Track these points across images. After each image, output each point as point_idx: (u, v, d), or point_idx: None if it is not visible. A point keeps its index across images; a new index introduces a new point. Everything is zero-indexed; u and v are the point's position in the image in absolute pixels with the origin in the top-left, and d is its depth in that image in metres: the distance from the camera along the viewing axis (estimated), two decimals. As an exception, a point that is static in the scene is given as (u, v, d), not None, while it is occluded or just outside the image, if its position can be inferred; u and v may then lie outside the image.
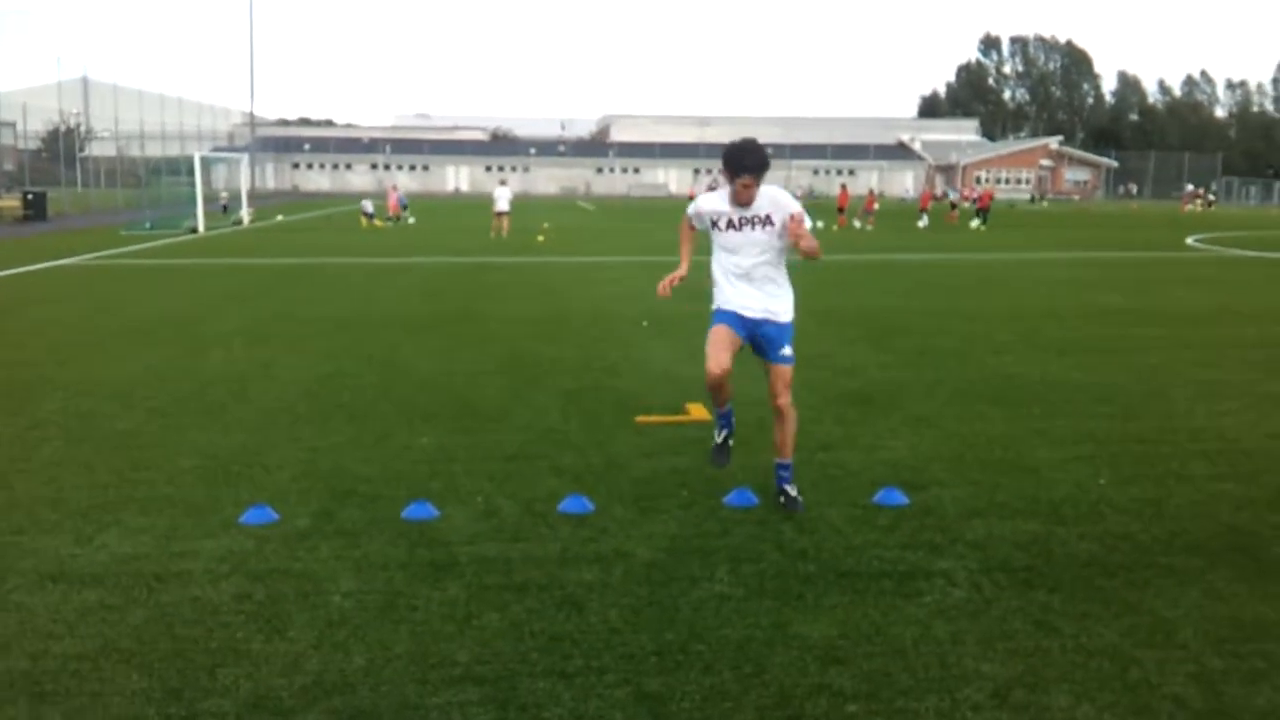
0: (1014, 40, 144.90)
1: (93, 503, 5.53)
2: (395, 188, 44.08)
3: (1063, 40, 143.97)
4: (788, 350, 5.57)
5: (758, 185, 5.33)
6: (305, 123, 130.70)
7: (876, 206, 43.07)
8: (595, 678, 3.66)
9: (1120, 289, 17.16)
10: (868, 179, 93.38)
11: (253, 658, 3.78)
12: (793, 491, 5.59)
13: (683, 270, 5.75)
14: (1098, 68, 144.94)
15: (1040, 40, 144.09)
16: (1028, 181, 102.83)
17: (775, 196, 5.44)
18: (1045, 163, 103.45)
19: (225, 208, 42.90)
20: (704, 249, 5.68)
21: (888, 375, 9.19)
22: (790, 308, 5.64)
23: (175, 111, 67.06)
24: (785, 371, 5.55)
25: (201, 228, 32.24)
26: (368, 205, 41.42)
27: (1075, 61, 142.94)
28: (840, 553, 4.87)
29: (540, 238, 30.31)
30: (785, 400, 5.53)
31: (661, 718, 3.41)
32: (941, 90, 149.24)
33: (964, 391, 8.53)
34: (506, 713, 3.42)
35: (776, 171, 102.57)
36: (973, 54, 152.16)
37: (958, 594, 4.40)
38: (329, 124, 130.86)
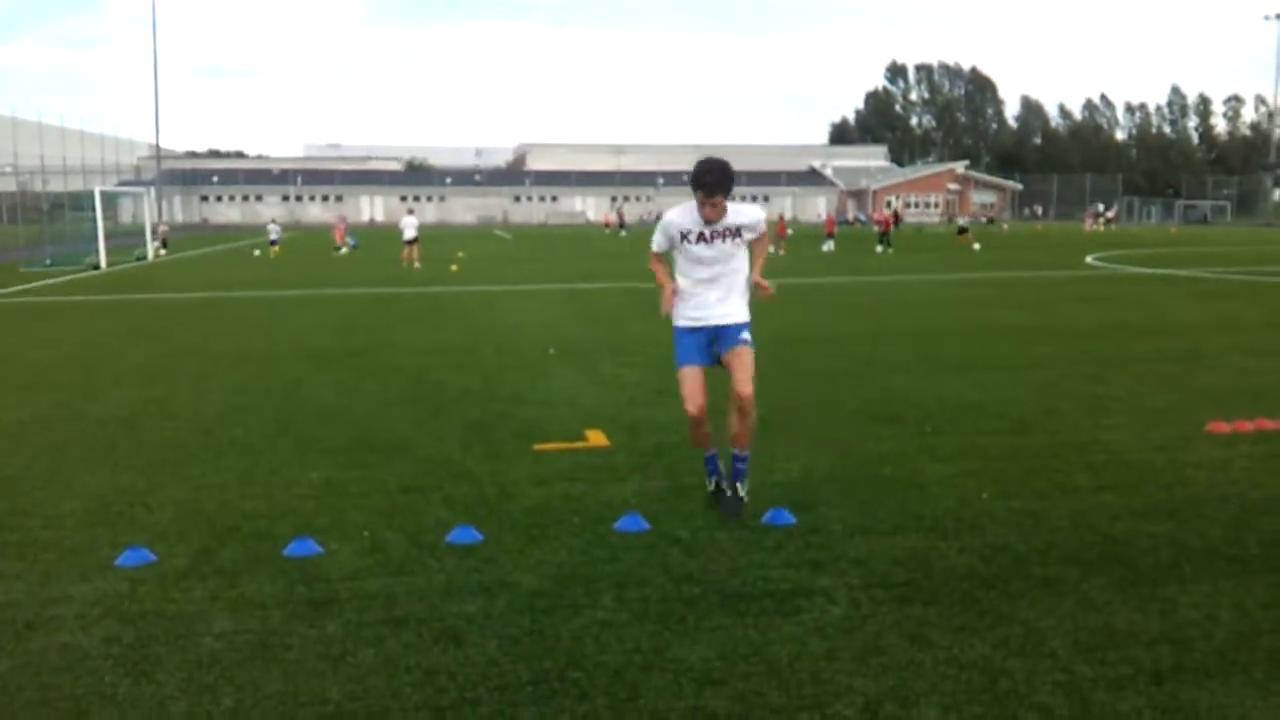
0: (919, 68, 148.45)
1: (-37, 550, 5.34)
2: (343, 219, 44.41)
3: (966, 67, 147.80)
4: (746, 335, 5.80)
5: (723, 202, 5.58)
6: (215, 154, 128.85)
7: (789, 232, 43.75)
8: (469, 710, 3.63)
9: (1019, 307, 17.60)
10: (781, 205, 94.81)
11: (119, 703, 3.68)
12: (742, 491, 5.78)
13: (672, 284, 5.88)
14: (1001, 93, 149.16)
15: (945, 67, 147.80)
16: (936, 205, 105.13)
17: (743, 211, 5.76)
18: (953, 186, 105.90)
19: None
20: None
21: (786, 397, 9.28)
22: (747, 311, 5.91)
23: (78, 145, 65.42)
24: (747, 354, 5.75)
25: (104, 263, 31.51)
26: (274, 231, 41.23)
27: (979, 88, 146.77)
28: (725, 574, 4.90)
29: (454, 267, 30.18)
30: (748, 390, 5.67)
31: (533, 748, 3.39)
32: (851, 117, 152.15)
33: (859, 411, 8.67)
34: (375, 750, 3.37)
35: (692, 198, 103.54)
36: (880, 81, 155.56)
37: (836, 611, 4.45)
38: (239, 155, 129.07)
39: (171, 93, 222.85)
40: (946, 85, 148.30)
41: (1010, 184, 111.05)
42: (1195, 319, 15.59)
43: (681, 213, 5.77)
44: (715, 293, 5.77)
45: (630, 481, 6.53)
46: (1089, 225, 74.53)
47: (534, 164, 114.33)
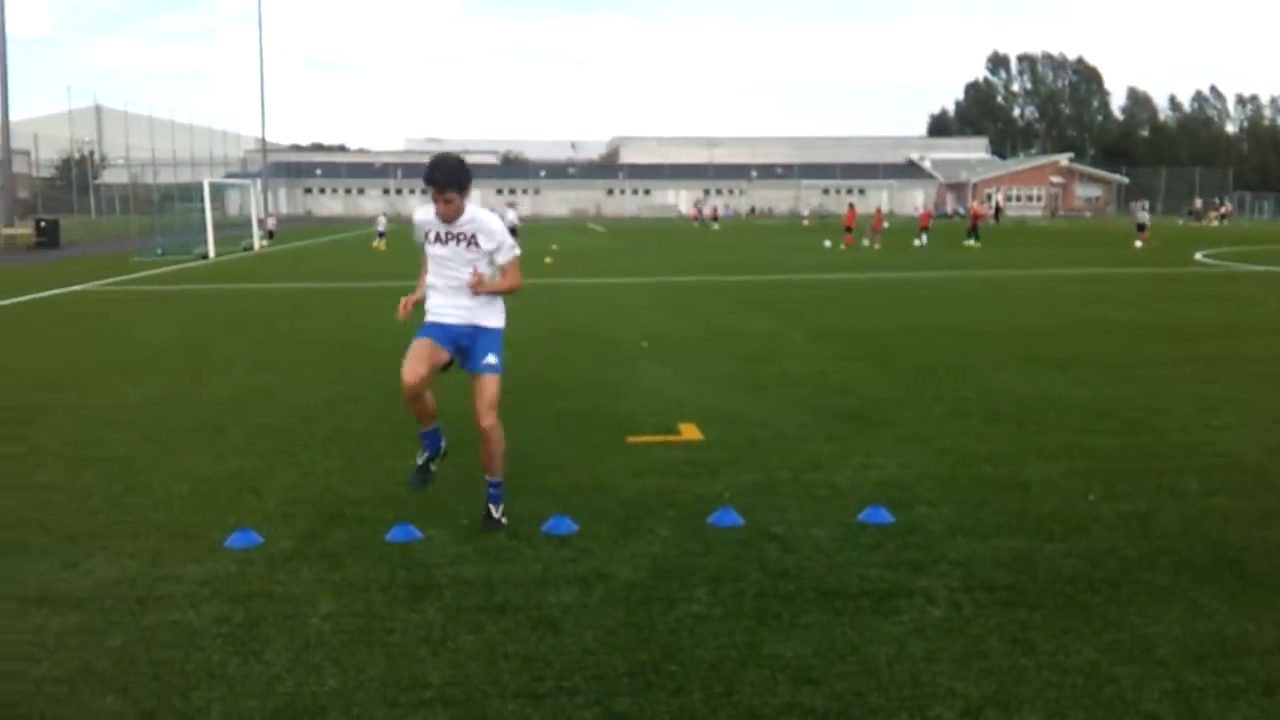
0: (1021, 58, 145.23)
1: (83, 528, 5.56)
2: (512, 205, 44.36)
3: (1072, 57, 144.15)
4: (492, 359, 5.60)
5: (460, 201, 5.42)
6: (318, 148, 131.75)
7: (885, 225, 43.14)
8: (565, 699, 3.66)
9: (1124, 304, 17.13)
10: (878, 198, 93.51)
11: (227, 680, 3.79)
12: (496, 513, 5.56)
13: (417, 294, 5.77)
14: (1107, 84, 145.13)
15: (1048, 58, 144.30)
16: (1039, 198, 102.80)
17: (484, 222, 5.53)
18: (1056, 179, 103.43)
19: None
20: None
21: (882, 393, 9.18)
22: (498, 317, 5.73)
23: (187, 138, 67.54)
24: (488, 384, 5.54)
25: (212, 253, 32.47)
26: (381, 224, 41.88)
27: (1084, 78, 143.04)
28: (822, 571, 4.86)
29: (548, 260, 30.43)
30: (489, 422, 5.49)
31: (630, 738, 3.41)
32: (950, 109, 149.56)
33: (959, 409, 8.52)
34: (475, 734, 3.42)
35: (786, 191, 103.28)
36: (981, 72, 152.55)
37: (936, 612, 4.39)
38: (342, 149, 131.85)
39: (277, 87, 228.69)
40: (1050, 76, 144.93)
41: (1116, 177, 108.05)
42: (1313, 319, 14.99)
43: (427, 209, 5.60)
44: (461, 295, 5.58)
45: (723, 475, 6.52)
46: (1207, 219, 71.82)
47: (627, 157, 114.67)
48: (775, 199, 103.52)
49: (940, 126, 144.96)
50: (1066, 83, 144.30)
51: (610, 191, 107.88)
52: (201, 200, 34.30)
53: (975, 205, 48.66)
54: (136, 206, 57.90)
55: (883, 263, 29.19)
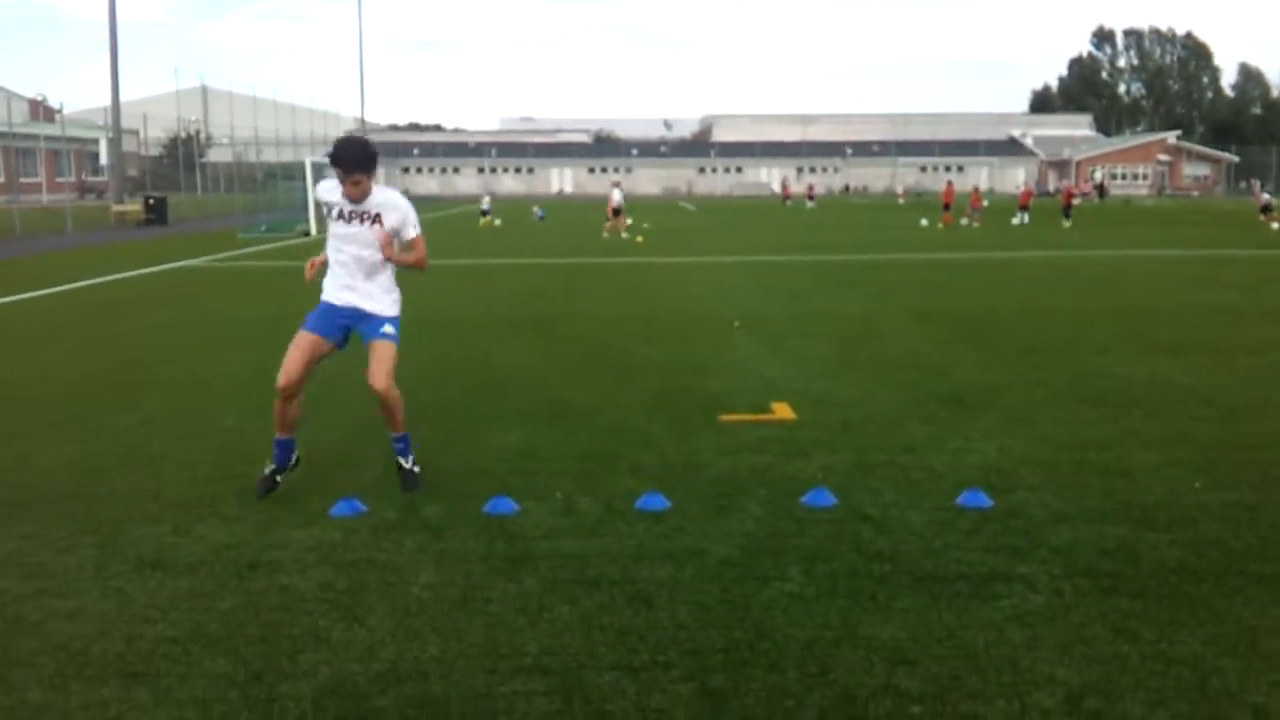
0: (1128, 33, 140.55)
1: (193, 495, 5.77)
2: (617, 185, 44.35)
3: (1180, 32, 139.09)
4: (389, 329, 5.63)
5: (367, 182, 5.41)
6: (415, 128, 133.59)
7: (984, 204, 42.27)
8: (661, 672, 3.70)
9: (1230, 287, 16.55)
10: (976, 175, 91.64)
11: (332, 644, 3.91)
12: (407, 463, 5.73)
13: (322, 257, 5.83)
14: (1217, 60, 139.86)
15: (1155, 32, 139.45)
16: (1144, 177, 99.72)
17: (390, 199, 5.54)
18: (1163, 158, 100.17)
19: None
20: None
21: (982, 376, 9.03)
22: (392, 306, 5.73)
23: (289, 118, 69.09)
24: (384, 349, 5.59)
25: (313, 230, 33.19)
26: (485, 203, 42.29)
27: (1193, 54, 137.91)
28: (918, 555, 4.82)
29: (639, 238, 30.48)
30: (384, 385, 5.55)
31: (724, 713, 3.43)
32: (1054, 85, 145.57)
33: (1061, 392, 8.34)
34: (571, 704, 3.48)
35: (882, 169, 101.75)
36: (1085, 47, 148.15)
37: (1036, 599, 4.32)
38: (437, 129, 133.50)
39: (375, 67, 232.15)
40: (1157, 51, 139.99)
41: (1226, 156, 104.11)
42: None
43: (330, 186, 5.58)
44: (358, 277, 5.58)
45: (816, 456, 6.49)
46: None
47: (719, 135, 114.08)
48: (870, 177, 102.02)
49: (1043, 103, 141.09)
50: (1174, 58, 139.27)
51: (702, 170, 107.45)
52: (303, 179, 35.05)
53: (1069, 185, 47.30)
54: (241, 184, 59.47)
55: (982, 242, 28.64)
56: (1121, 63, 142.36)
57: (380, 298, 5.73)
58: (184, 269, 20.97)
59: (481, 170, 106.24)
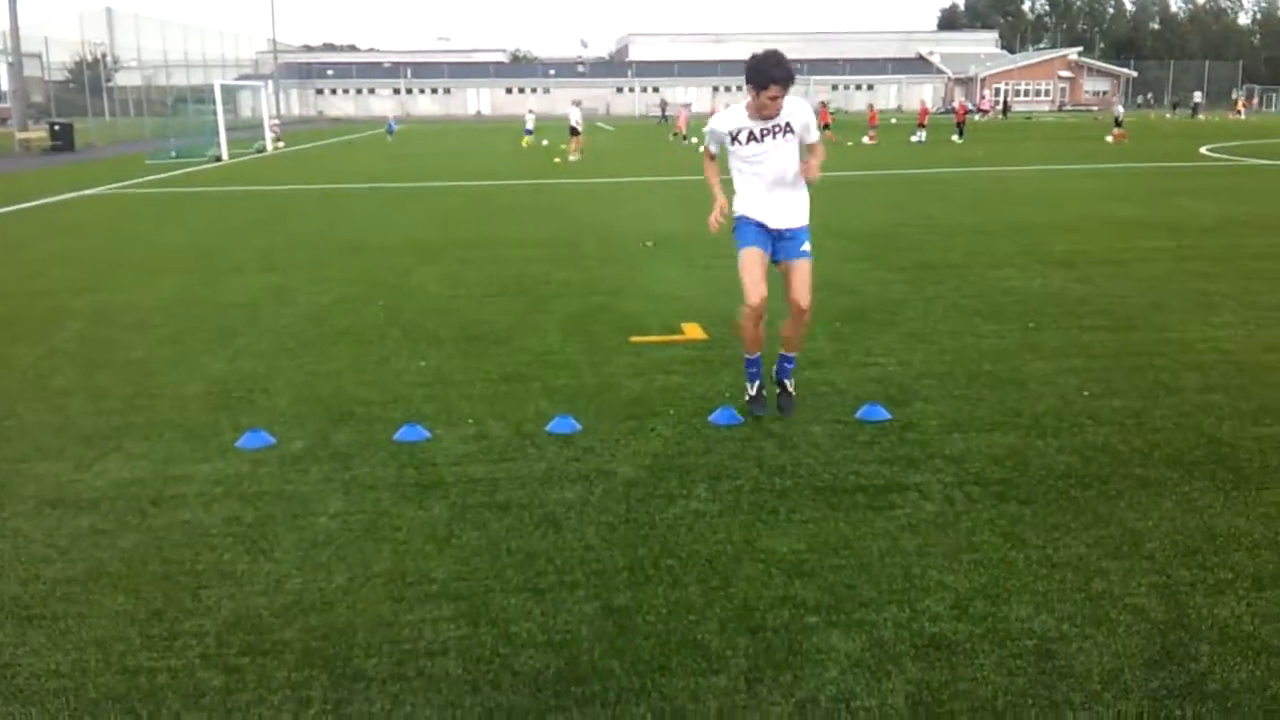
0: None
1: (98, 429, 5.68)
2: (688, 106, 43.14)
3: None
4: (807, 246, 5.59)
5: (783, 97, 5.29)
6: (329, 48, 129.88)
7: (879, 122, 42.74)
8: (566, 593, 3.77)
9: (1127, 200, 16.92)
10: (887, 93, 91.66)
11: (237, 578, 3.92)
12: (790, 386, 5.76)
13: (721, 200, 5.64)
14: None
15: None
16: (1047, 93, 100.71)
17: (794, 104, 5.41)
18: (1064, 74, 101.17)
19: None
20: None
21: (885, 292, 9.18)
22: (808, 211, 5.66)
23: (198, 40, 66.67)
24: (807, 266, 5.54)
25: (225, 155, 32.32)
26: (530, 120, 41.18)
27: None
28: (818, 468, 4.94)
29: (556, 159, 30.17)
30: (808, 300, 5.51)
31: (627, 630, 3.52)
32: (960, 2, 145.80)
33: (960, 306, 8.52)
34: (477, 628, 3.54)
35: (796, 87, 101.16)
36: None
37: (929, 508, 4.47)
38: (352, 49, 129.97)
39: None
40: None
41: (1124, 71, 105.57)
42: (1322, 213, 14.77)
43: (728, 116, 5.50)
44: (778, 192, 5.52)
45: (725, 374, 6.57)
46: (1237, 111, 70.19)
47: (636, 55, 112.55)
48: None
49: (950, 21, 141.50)
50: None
51: (620, 90, 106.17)
52: (214, 103, 33.99)
53: (962, 102, 47.99)
54: (150, 109, 57.45)
55: (882, 160, 28.81)
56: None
57: (800, 210, 5.61)
58: (92, 197, 20.31)
59: (397, 91, 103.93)
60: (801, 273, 5.52)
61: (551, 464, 5.07)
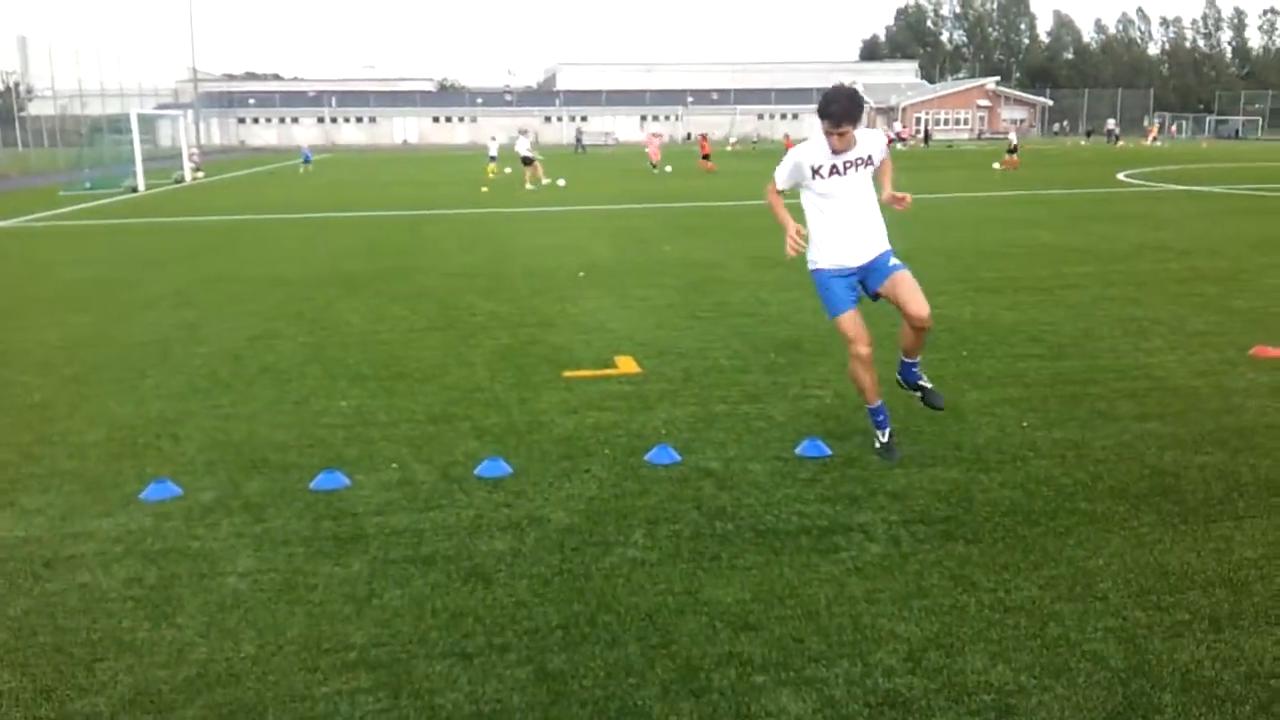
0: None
1: (-11, 483, 5.29)
2: (659, 135, 42.73)
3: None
4: (895, 260, 5.47)
5: (853, 131, 5.19)
6: (251, 76, 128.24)
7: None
8: (496, 656, 3.51)
9: (1050, 226, 17.10)
10: (812, 123, 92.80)
11: (136, 648, 3.59)
12: (925, 381, 5.68)
13: (794, 224, 5.45)
14: (1033, 7, 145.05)
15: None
16: (966, 122, 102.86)
17: (868, 135, 5.35)
18: (982, 103, 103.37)
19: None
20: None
21: (818, 321, 9.02)
22: (885, 236, 5.54)
23: (115, 69, 65.21)
24: (909, 277, 5.40)
25: (142, 186, 31.49)
26: (493, 149, 40.11)
27: (1012, 1, 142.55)
28: (759, 509, 4.74)
29: (484, 189, 29.89)
30: (927, 309, 5.36)
31: (562, 697, 3.27)
32: (881, 34, 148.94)
33: (893, 335, 8.38)
34: (399, 700, 3.26)
35: (722, 117, 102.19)
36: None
37: (875, 549, 4.29)
38: (276, 78, 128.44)
39: (208, 15, 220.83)
40: (978, 0, 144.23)
41: (1040, 100, 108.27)
42: (1231, 237, 14.99)
43: (809, 148, 5.37)
44: (859, 224, 5.41)
45: (660, 409, 6.37)
46: (1151, 139, 72.16)
47: (564, 83, 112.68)
48: (711, 125, 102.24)
49: (871, 51, 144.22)
50: (995, 5, 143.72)
51: (548, 118, 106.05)
52: (131, 132, 33.11)
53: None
54: (65, 139, 55.94)
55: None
56: (945, 10, 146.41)
57: (880, 237, 5.47)
58: (0, 230, 19.58)
59: (321, 120, 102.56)
60: (907, 284, 5.36)
61: (480, 511, 4.80)
